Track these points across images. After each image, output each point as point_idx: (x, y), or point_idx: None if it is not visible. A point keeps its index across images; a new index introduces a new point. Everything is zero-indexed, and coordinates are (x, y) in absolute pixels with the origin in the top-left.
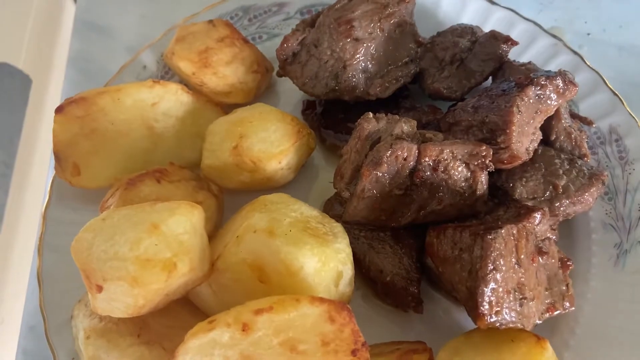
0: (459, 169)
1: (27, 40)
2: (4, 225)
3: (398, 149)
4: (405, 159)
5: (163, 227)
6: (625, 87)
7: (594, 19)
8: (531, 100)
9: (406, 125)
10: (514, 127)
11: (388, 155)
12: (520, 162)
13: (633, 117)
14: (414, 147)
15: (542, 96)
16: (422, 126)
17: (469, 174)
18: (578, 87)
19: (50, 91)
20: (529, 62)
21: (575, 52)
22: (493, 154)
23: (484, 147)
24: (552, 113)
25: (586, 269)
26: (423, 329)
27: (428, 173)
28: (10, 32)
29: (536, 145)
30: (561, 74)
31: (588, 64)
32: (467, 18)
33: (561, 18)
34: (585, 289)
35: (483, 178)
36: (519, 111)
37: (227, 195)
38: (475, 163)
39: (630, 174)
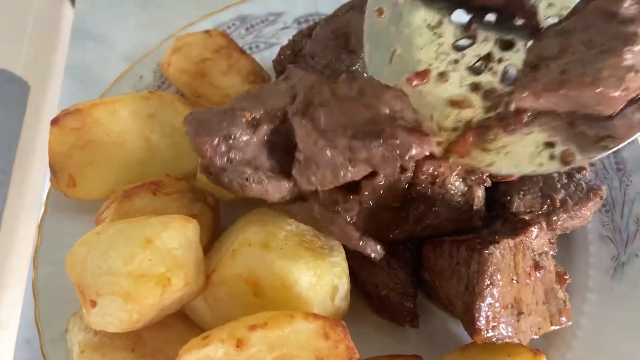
0: (456, 183)
1: (25, 47)
2: (2, 231)
3: None
4: (402, 172)
5: (157, 241)
6: None
7: None
8: None
9: None
10: None
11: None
12: (514, 178)
13: None
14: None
15: None
16: None
17: (465, 188)
18: None
19: (49, 97)
20: None
21: None
22: None
23: None
24: None
25: (583, 282)
26: (420, 342)
27: (425, 187)
28: (8, 38)
29: None
30: None
31: None
32: None
33: None
34: (582, 301)
35: (480, 193)
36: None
37: (224, 207)
38: (473, 178)
39: (627, 185)
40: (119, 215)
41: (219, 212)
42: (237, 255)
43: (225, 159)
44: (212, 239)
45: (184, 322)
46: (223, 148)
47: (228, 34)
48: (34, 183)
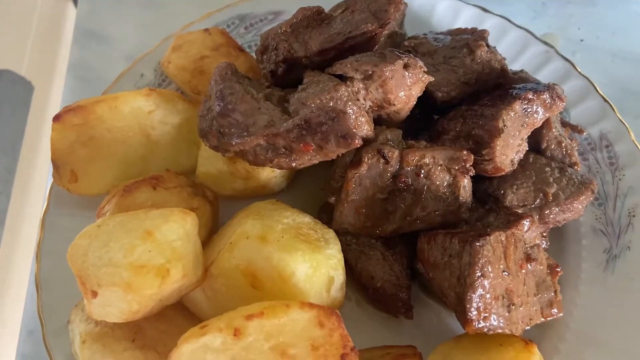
0: (441, 174)
1: (29, 47)
2: (6, 229)
3: (378, 151)
4: (387, 162)
5: (157, 233)
6: (618, 94)
7: (588, 25)
8: (518, 115)
9: (391, 134)
10: (498, 142)
11: (369, 156)
12: (504, 173)
13: (623, 124)
14: (396, 151)
15: (528, 110)
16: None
17: (450, 179)
18: (565, 102)
19: (52, 97)
20: (522, 70)
21: (566, 59)
22: (478, 164)
23: (465, 152)
24: (539, 125)
25: (576, 275)
26: (415, 333)
27: (410, 178)
28: (12, 39)
29: (522, 156)
30: (549, 88)
31: (579, 70)
32: (460, 26)
33: (555, 25)
34: (574, 294)
35: (465, 183)
36: (505, 125)
37: (223, 201)
38: (456, 167)
39: (620, 179)
40: (120, 210)
41: (218, 206)
42: (235, 247)
43: None
44: (211, 233)
45: (183, 313)
46: None
47: (227, 32)
48: (38, 181)
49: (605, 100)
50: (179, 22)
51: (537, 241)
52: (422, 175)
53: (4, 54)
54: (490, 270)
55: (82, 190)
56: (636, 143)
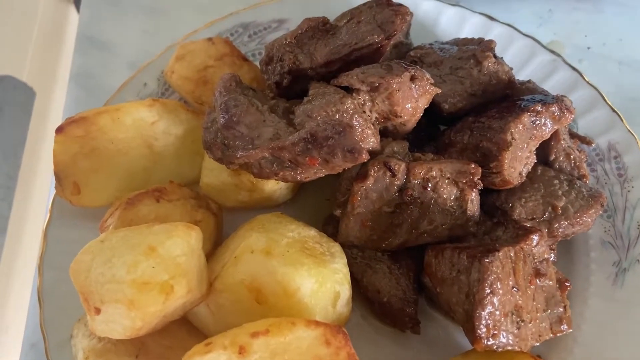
0: (448, 187)
1: (31, 53)
2: (8, 236)
3: (384, 164)
4: (393, 175)
5: (160, 249)
6: (625, 102)
7: (594, 32)
8: (526, 127)
9: (397, 146)
10: (506, 155)
11: (376, 169)
12: (512, 185)
13: (632, 134)
14: (403, 164)
15: (537, 122)
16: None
17: (458, 192)
18: (574, 114)
19: (54, 104)
20: (529, 81)
21: (574, 69)
22: (486, 177)
23: (473, 165)
24: (548, 137)
25: (585, 288)
26: (422, 348)
27: (417, 191)
28: (14, 45)
29: (530, 168)
30: (558, 100)
31: (587, 80)
32: (466, 34)
33: (561, 32)
34: (583, 307)
35: (473, 197)
36: (513, 138)
37: (227, 213)
38: (464, 181)
39: (629, 191)
40: (123, 222)
41: (222, 218)
42: (240, 262)
43: None
44: (215, 245)
45: (187, 328)
46: None
47: (231, 42)
48: (40, 187)
49: (614, 111)
50: (181, 29)
51: (546, 255)
52: (429, 189)
53: (5, 60)
54: (499, 286)
55: (84, 203)
56: None
